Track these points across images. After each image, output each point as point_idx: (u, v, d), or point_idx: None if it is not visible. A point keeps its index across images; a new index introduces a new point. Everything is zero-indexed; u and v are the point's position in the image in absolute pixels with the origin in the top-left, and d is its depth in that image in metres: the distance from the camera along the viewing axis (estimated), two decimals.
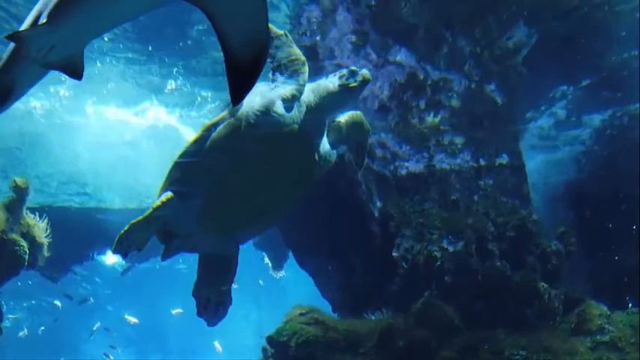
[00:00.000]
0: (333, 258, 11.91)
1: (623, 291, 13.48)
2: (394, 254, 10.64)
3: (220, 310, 7.09)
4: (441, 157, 11.58)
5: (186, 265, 29.60)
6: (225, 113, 6.16)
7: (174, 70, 13.80)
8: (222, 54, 3.20)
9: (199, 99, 15.59)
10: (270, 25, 5.97)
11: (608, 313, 10.38)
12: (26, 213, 11.89)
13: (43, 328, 34.81)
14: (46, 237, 12.32)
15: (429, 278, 10.31)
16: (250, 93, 6.11)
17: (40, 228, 12.15)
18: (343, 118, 6.86)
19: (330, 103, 6.35)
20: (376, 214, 11.04)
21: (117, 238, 6.19)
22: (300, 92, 6.16)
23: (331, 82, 6.35)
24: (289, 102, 6.07)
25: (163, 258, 6.97)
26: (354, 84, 6.21)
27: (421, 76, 11.34)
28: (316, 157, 6.38)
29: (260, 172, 6.24)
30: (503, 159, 12.02)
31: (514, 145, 12.45)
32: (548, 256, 10.88)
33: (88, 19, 3.41)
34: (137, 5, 3.40)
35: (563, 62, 13.13)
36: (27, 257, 11.53)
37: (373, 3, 10.26)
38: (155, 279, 33.24)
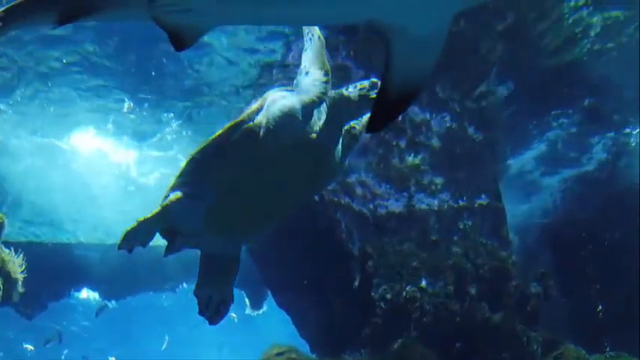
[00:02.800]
0: (311, 297, 11.83)
1: (601, 334, 13.48)
2: (373, 294, 10.58)
3: (222, 308, 6.94)
4: (421, 197, 11.61)
5: (171, 301, 29.40)
6: (244, 115, 6.10)
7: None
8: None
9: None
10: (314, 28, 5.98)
11: (587, 356, 10.36)
12: (1, 248, 11.71)
13: None
14: (20, 272, 12.12)
15: (408, 319, 10.25)
16: (272, 98, 6.12)
17: (15, 263, 11.96)
18: (359, 124, 6.86)
19: (349, 113, 6.33)
20: (355, 254, 11.00)
21: (123, 235, 6.05)
22: (322, 101, 6.14)
23: (351, 92, 6.31)
24: (309, 110, 6.04)
25: (166, 254, 6.80)
26: (375, 95, 6.16)
27: (402, 116, 11.43)
28: (330, 165, 6.34)
29: (274, 178, 6.18)
30: (483, 200, 12.08)
31: (494, 185, 12.51)
32: (527, 298, 10.89)
33: (252, 5, 3.17)
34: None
35: (539, 107, 13.35)
36: (1, 293, 11.32)
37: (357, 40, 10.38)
38: (138, 315, 32.91)
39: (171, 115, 14.25)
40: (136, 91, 13.04)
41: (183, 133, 15.25)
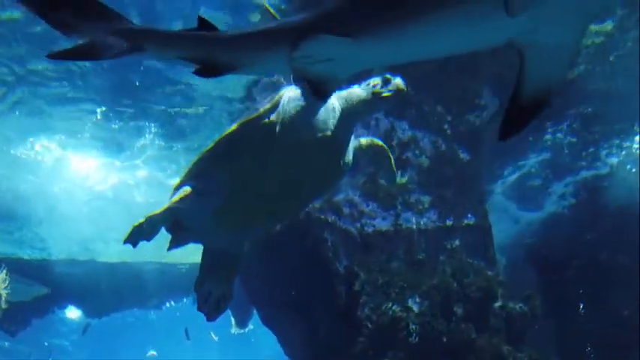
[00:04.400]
0: (297, 315, 11.75)
1: (587, 355, 13.47)
2: (359, 313, 10.53)
3: (221, 303, 6.93)
4: (408, 216, 11.59)
5: (158, 316, 29.25)
6: (260, 112, 6.05)
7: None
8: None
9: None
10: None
11: None
12: None
13: None
14: (4, 289, 12.00)
15: (394, 338, 10.18)
16: (288, 95, 6.09)
17: None
18: (365, 140, 6.84)
19: (361, 110, 6.26)
20: (342, 272, 10.95)
21: (130, 230, 6.03)
22: (336, 98, 6.10)
23: (364, 89, 6.24)
24: (324, 108, 6.00)
25: (170, 249, 6.84)
26: (387, 93, 6.10)
27: (390, 135, 11.46)
28: (341, 163, 6.28)
29: (286, 175, 6.13)
30: (470, 219, 12.09)
31: (481, 205, 12.54)
32: (513, 319, 10.86)
33: (395, 46, 3.18)
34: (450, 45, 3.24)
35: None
36: None
37: None
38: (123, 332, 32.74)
39: (150, 125, 14.14)
40: (110, 101, 12.91)
41: (162, 143, 15.12)
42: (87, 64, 11.24)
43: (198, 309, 6.95)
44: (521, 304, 11.03)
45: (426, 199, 11.85)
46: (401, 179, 11.69)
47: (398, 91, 6.10)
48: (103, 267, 20.02)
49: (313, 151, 6.02)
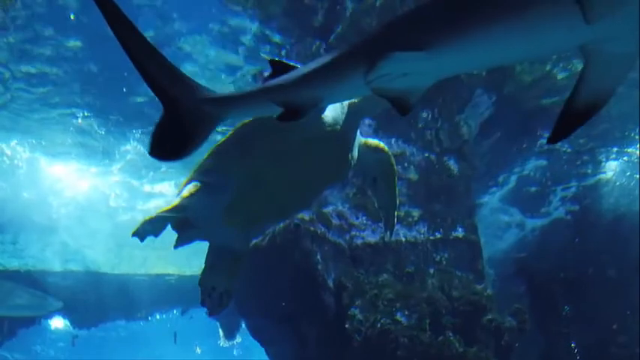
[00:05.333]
0: (286, 327, 11.71)
1: None
2: (347, 326, 10.50)
3: (224, 299, 6.93)
4: (397, 229, 11.60)
5: (146, 327, 29.08)
6: None
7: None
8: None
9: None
10: None
11: None
12: None
13: None
14: None
15: (382, 351, 10.17)
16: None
17: None
18: (372, 141, 6.83)
19: (369, 105, 6.24)
20: (330, 284, 10.94)
21: (140, 223, 6.07)
22: None
23: None
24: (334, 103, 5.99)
25: (176, 246, 6.81)
26: None
27: None
28: (349, 158, 6.26)
29: (296, 169, 6.08)
30: (459, 232, 12.11)
31: (470, 219, 12.57)
32: (501, 333, 10.87)
33: (468, 55, 3.15)
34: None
35: (517, 139, 13.51)
36: None
37: None
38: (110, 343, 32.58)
39: (134, 133, 14.10)
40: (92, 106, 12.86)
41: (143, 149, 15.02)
42: (67, 69, 11.26)
43: (201, 304, 6.96)
44: (509, 318, 11.05)
45: (416, 212, 11.88)
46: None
47: None
48: (89, 277, 19.90)
49: (323, 146, 5.98)
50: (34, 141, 14.42)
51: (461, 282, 11.34)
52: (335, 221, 11.34)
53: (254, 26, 10.28)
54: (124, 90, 11.96)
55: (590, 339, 14.93)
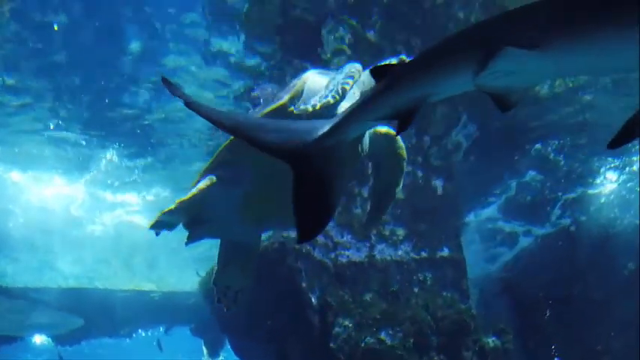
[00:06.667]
0: (270, 345, 11.64)
1: None
2: (332, 345, 10.44)
3: (239, 297, 7.04)
4: (382, 248, 11.58)
5: (132, 342, 28.89)
6: (286, 100, 5.95)
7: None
8: None
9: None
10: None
11: None
12: None
13: None
14: None
15: None
16: (311, 81, 6.02)
17: None
18: (382, 129, 6.76)
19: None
20: (315, 303, 10.88)
21: (158, 216, 6.13)
22: (355, 84, 5.95)
23: None
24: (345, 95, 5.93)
25: (187, 243, 6.79)
26: None
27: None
28: (360, 149, 6.20)
29: None
30: (444, 252, 12.11)
31: (455, 239, 12.58)
32: (485, 353, 10.84)
33: (580, 58, 3.00)
34: None
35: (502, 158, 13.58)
36: None
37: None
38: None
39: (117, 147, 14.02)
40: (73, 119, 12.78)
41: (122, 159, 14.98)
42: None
43: (217, 302, 7.07)
44: (494, 338, 11.03)
45: (401, 231, 11.86)
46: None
47: None
48: (70, 293, 19.70)
49: None
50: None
51: (445, 301, 11.32)
52: (320, 239, 11.30)
53: (239, 44, 10.32)
54: (107, 101, 11.97)
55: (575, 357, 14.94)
